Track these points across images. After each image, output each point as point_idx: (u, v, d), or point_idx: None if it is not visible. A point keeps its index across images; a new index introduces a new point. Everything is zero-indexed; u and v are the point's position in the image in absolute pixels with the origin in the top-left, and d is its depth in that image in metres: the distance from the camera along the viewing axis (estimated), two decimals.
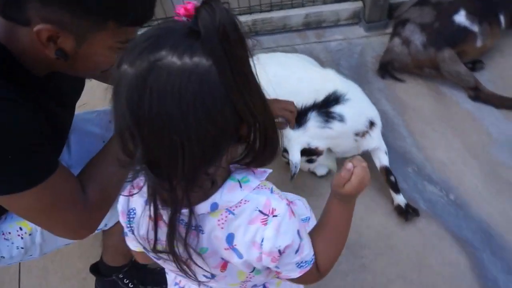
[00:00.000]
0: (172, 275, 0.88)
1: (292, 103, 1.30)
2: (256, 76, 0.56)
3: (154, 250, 0.62)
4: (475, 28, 1.70)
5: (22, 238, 0.99)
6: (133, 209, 0.68)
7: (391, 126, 1.72)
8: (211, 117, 0.50)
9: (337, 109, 1.38)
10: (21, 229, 0.99)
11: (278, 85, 1.50)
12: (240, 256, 0.63)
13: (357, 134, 1.43)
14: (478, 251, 1.37)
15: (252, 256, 0.63)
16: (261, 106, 0.57)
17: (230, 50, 0.50)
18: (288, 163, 1.43)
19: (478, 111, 1.72)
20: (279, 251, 0.62)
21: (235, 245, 0.62)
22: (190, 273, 0.63)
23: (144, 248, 0.68)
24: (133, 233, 0.68)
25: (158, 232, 0.61)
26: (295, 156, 1.35)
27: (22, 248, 1.00)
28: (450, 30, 1.70)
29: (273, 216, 0.61)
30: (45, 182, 0.78)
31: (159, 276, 1.36)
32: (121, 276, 1.30)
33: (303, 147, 1.38)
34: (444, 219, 1.45)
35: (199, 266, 0.63)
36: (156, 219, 0.58)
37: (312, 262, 0.70)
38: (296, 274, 0.68)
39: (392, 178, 1.46)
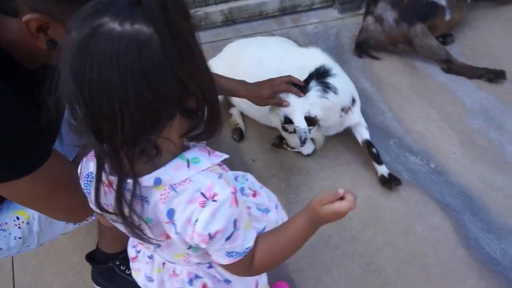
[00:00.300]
0: (131, 238, 0.89)
1: (288, 76, 1.32)
2: (201, 49, 0.58)
3: (100, 209, 0.64)
4: (443, 1, 1.76)
5: (19, 227, 1.00)
6: (91, 173, 0.70)
7: (371, 102, 1.78)
8: (150, 84, 0.51)
9: (330, 81, 1.41)
10: (18, 218, 0.99)
11: (259, 66, 1.54)
12: (176, 231, 0.65)
13: (343, 109, 1.47)
14: (459, 214, 1.44)
15: (186, 233, 0.65)
16: (208, 79, 0.59)
17: (171, 19, 0.51)
18: (291, 132, 1.43)
19: (451, 83, 1.79)
20: (209, 234, 0.63)
21: (175, 220, 0.64)
22: (143, 236, 0.66)
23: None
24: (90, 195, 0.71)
25: (109, 197, 0.64)
26: (302, 123, 1.33)
27: (19, 238, 1.01)
28: (420, 5, 1.76)
29: (213, 200, 0.62)
30: (41, 167, 0.80)
31: None
32: (117, 263, 1.31)
33: (305, 115, 1.38)
34: (427, 187, 1.51)
35: (144, 234, 0.66)
36: (98, 183, 0.60)
37: (243, 254, 0.69)
38: (225, 261, 0.69)
39: (374, 150, 1.52)
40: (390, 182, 1.48)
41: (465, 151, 1.58)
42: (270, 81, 1.30)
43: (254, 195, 0.97)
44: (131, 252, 0.90)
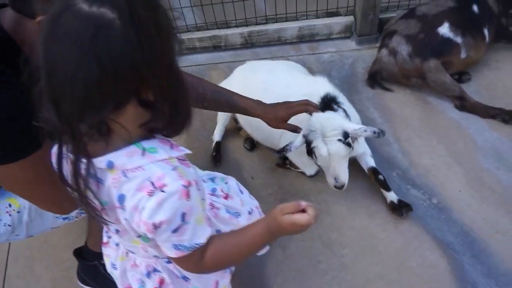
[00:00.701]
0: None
1: (305, 100, 1.30)
2: (170, 47, 0.60)
3: (62, 181, 0.66)
4: (459, 39, 1.76)
5: (10, 215, 1.03)
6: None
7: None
8: (101, 64, 0.53)
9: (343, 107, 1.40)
10: (10, 205, 1.03)
11: (266, 90, 1.56)
12: (125, 217, 0.66)
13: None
14: (458, 254, 1.36)
15: (133, 220, 0.65)
16: (172, 78, 0.61)
17: (136, 9, 0.54)
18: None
19: (463, 120, 1.75)
20: (154, 224, 0.63)
21: (125, 206, 0.65)
22: (101, 218, 0.67)
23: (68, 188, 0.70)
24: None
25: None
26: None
27: (9, 225, 1.04)
28: (435, 41, 1.76)
29: (161, 190, 0.62)
30: (31, 156, 0.84)
31: None
32: (103, 262, 1.32)
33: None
34: (426, 222, 1.45)
35: (102, 217, 0.67)
36: (60, 158, 0.63)
37: (191, 249, 0.69)
38: (172, 253, 0.69)
39: (381, 177, 1.49)
40: (400, 209, 1.43)
41: (472, 190, 1.52)
42: (287, 103, 1.29)
43: (226, 197, 0.97)
44: (104, 237, 0.92)
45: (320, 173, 1.60)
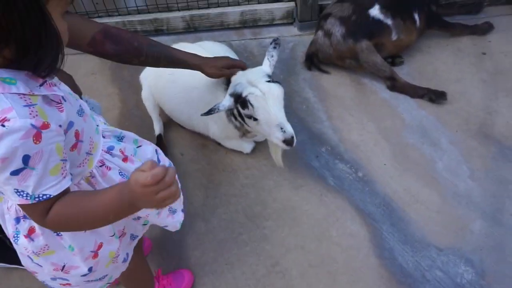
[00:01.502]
0: None
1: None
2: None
3: None
4: (389, 21, 1.80)
5: None
6: None
7: (311, 111, 1.76)
8: None
9: None
10: None
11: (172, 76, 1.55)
12: None
13: None
14: (378, 223, 1.37)
15: None
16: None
17: None
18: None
19: (394, 100, 1.78)
20: None
21: None
22: None
23: None
24: None
25: None
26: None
27: None
28: (366, 23, 1.79)
29: (1, 125, 0.57)
30: None
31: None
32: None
33: None
34: (350, 194, 1.46)
35: None
36: None
37: (35, 199, 0.63)
38: (15, 199, 0.63)
39: None
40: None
41: (396, 163, 1.54)
42: (226, 57, 1.34)
43: (125, 159, 0.90)
44: None
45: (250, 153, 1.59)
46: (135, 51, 1.15)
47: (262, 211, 1.43)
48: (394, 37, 1.83)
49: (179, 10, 2.17)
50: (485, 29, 2.04)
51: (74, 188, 0.78)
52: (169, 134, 1.72)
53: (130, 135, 0.97)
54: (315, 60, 1.94)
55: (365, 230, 1.35)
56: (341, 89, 1.85)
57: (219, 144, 1.62)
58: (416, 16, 1.88)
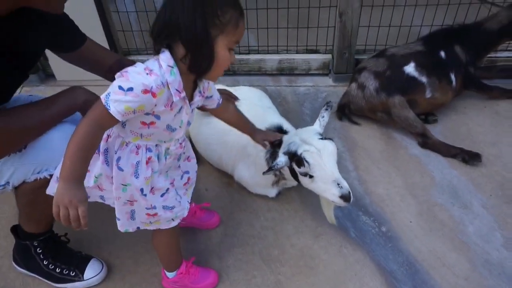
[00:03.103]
0: None
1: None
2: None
3: None
4: (424, 79, 1.82)
5: None
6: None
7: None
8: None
9: None
10: None
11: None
12: None
13: None
14: (399, 283, 1.30)
15: None
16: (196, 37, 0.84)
17: None
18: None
19: (424, 157, 1.75)
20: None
21: None
22: None
23: None
24: None
25: None
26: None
27: None
28: (400, 79, 1.82)
29: (147, 73, 0.86)
30: None
31: (72, 258, 1.35)
32: (35, 243, 1.30)
33: None
34: (371, 249, 1.40)
35: None
36: None
37: (103, 102, 0.84)
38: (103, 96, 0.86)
39: None
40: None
41: (422, 222, 1.48)
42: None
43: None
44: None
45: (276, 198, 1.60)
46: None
47: (279, 255, 1.40)
48: (428, 95, 1.84)
49: None
50: None
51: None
52: None
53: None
54: (346, 111, 1.96)
55: None
56: (370, 142, 1.85)
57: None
58: (453, 77, 1.89)
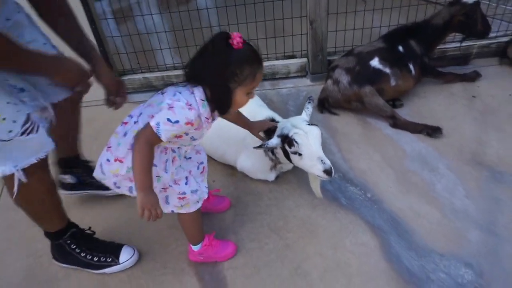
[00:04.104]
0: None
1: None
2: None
3: None
4: (387, 70, 2.14)
5: None
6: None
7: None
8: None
9: None
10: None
11: None
12: None
13: None
14: (386, 234, 1.57)
15: None
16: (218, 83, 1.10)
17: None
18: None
19: (396, 135, 2.06)
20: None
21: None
22: None
23: None
24: None
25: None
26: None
27: None
28: (368, 72, 2.13)
29: (188, 107, 1.11)
30: None
31: (107, 247, 1.54)
32: (68, 241, 1.49)
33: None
34: (360, 212, 1.67)
35: None
36: None
37: (154, 130, 1.10)
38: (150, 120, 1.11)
39: None
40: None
41: (400, 186, 1.77)
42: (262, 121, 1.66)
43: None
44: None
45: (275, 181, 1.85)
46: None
47: (284, 225, 1.65)
48: (393, 83, 2.16)
49: None
50: (474, 76, 2.37)
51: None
52: None
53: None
54: (326, 104, 2.26)
55: (375, 240, 1.55)
56: (349, 127, 2.14)
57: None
58: (411, 66, 2.22)
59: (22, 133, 1.13)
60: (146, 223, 1.32)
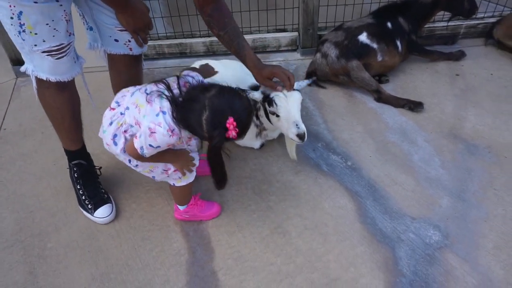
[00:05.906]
0: None
1: (291, 73, 1.53)
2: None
3: None
4: (375, 45, 2.19)
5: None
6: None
7: (310, 116, 2.10)
8: None
9: None
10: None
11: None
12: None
13: None
14: (363, 199, 1.66)
15: None
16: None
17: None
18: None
19: (380, 109, 2.13)
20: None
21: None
22: None
23: None
24: None
25: None
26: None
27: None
28: (356, 46, 2.18)
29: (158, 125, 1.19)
30: None
31: (96, 194, 1.64)
32: (74, 168, 1.65)
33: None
34: (340, 178, 1.76)
35: None
36: None
37: (139, 152, 1.22)
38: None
39: None
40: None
41: (379, 155, 1.85)
42: (275, 67, 1.51)
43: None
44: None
45: (261, 149, 1.92)
46: (220, 25, 1.44)
47: (268, 188, 1.73)
48: (379, 58, 2.21)
49: (201, 36, 2.59)
50: (459, 55, 2.43)
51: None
52: None
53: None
54: (313, 76, 2.31)
55: (352, 204, 1.64)
56: (335, 100, 2.21)
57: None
58: (398, 43, 2.28)
59: (43, 51, 1.29)
60: (138, 184, 1.40)
